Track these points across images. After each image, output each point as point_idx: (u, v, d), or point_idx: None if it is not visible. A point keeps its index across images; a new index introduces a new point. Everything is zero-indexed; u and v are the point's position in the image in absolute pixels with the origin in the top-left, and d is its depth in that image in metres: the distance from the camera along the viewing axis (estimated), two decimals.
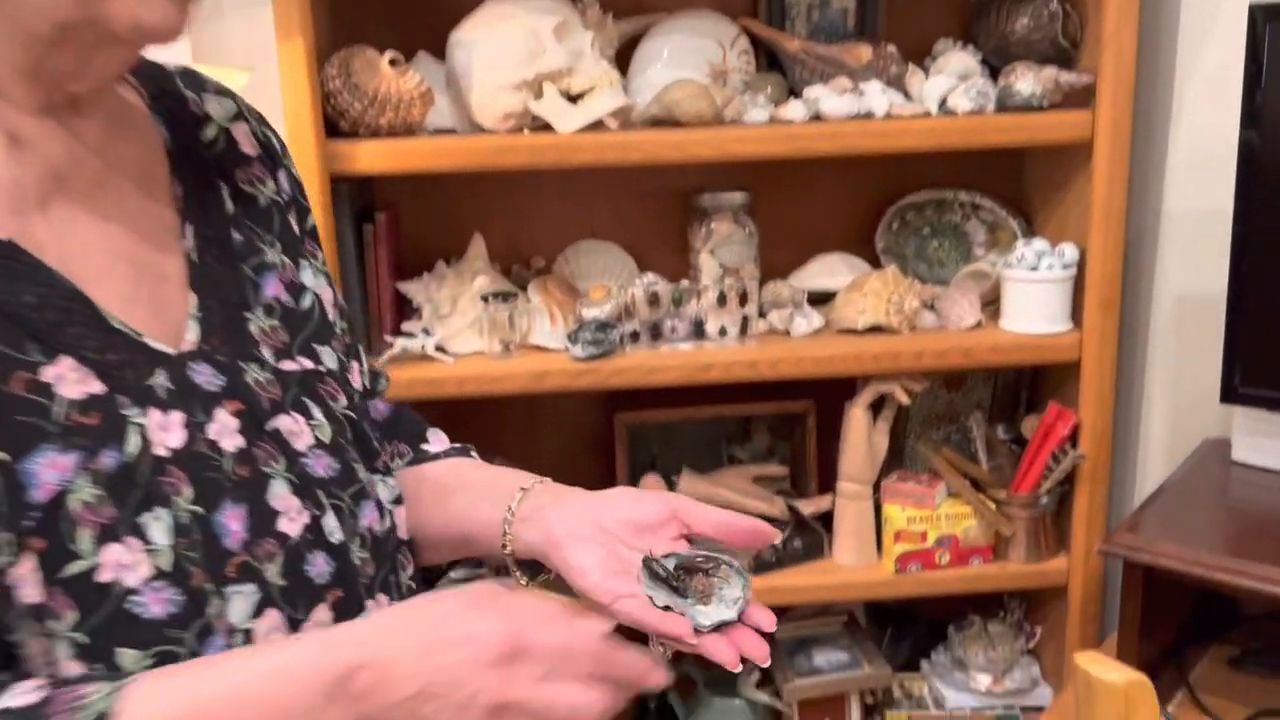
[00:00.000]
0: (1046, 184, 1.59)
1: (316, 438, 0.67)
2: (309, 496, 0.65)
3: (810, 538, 1.60)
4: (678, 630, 0.62)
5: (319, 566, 0.64)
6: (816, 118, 1.45)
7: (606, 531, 0.67)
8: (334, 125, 1.37)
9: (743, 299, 1.52)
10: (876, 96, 1.44)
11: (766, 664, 0.63)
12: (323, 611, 0.63)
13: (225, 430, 0.63)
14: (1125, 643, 1.21)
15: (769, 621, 0.64)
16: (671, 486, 1.62)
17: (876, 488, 1.58)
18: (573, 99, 1.41)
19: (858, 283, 1.54)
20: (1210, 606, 1.37)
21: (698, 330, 1.52)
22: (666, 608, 0.62)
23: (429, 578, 0.82)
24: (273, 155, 0.75)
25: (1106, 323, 1.46)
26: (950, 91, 1.45)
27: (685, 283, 1.53)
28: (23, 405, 0.55)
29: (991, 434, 1.64)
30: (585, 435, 1.73)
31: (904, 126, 1.41)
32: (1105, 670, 0.94)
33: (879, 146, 1.41)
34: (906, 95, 1.49)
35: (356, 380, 0.76)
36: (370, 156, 1.35)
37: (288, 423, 0.66)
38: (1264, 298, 1.27)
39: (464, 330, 1.50)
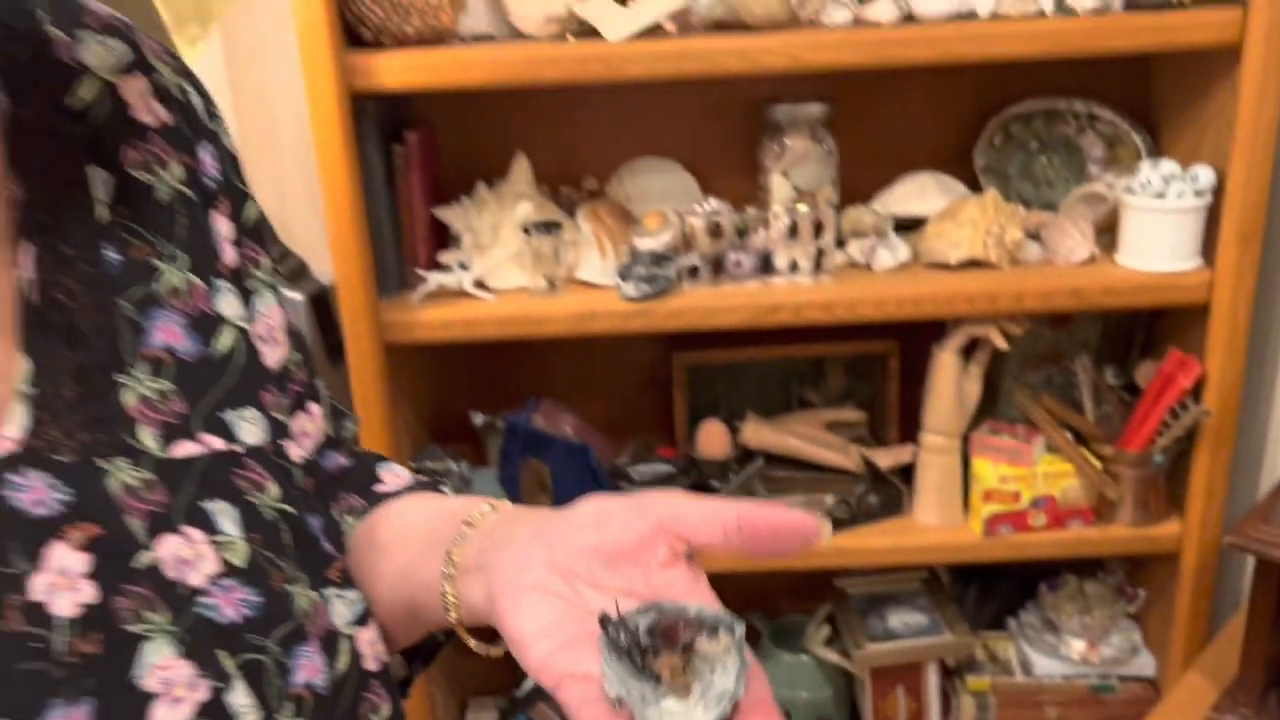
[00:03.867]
0: (1179, 93, 1.36)
1: (225, 561, 0.46)
2: (207, 659, 0.44)
3: (888, 493, 1.44)
4: None
5: None
6: (908, 18, 1.24)
7: (564, 571, 0.46)
8: (354, 34, 1.22)
9: (817, 229, 1.34)
10: None
11: None
12: None
13: (63, 580, 0.41)
14: (1252, 646, 1.05)
15: None
16: (735, 432, 1.48)
17: (965, 438, 1.42)
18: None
19: (952, 210, 1.34)
20: None
21: (765, 265, 1.35)
22: (619, 700, 0.43)
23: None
24: (194, 122, 0.52)
25: (1245, 260, 1.24)
26: None
27: (751, 211, 1.35)
28: None
29: (1100, 379, 1.45)
30: (642, 375, 1.59)
31: (1012, 29, 1.19)
32: None
33: (982, 53, 1.20)
34: None
35: (307, 442, 0.55)
36: (395, 70, 1.19)
37: (176, 547, 0.45)
38: None
39: (505, 263, 1.35)
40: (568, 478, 1.38)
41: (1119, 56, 1.26)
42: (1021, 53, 1.20)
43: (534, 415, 1.44)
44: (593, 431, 1.49)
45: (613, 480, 1.39)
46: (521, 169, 1.42)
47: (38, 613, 0.40)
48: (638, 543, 0.46)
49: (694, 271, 1.34)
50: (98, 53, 0.49)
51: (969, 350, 1.39)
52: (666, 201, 1.44)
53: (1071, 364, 1.48)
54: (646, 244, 1.33)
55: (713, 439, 1.46)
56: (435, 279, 1.32)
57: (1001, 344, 1.34)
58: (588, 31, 1.23)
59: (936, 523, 1.42)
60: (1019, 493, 1.38)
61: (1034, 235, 1.38)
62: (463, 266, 1.34)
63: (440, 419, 1.56)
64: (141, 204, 0.49)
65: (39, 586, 0.41)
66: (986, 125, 1.46)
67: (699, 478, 1.45)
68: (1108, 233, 1.37)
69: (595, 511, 0.47)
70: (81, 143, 0.48)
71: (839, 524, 1.42)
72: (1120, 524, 1.39)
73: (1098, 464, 1.38)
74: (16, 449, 0.42)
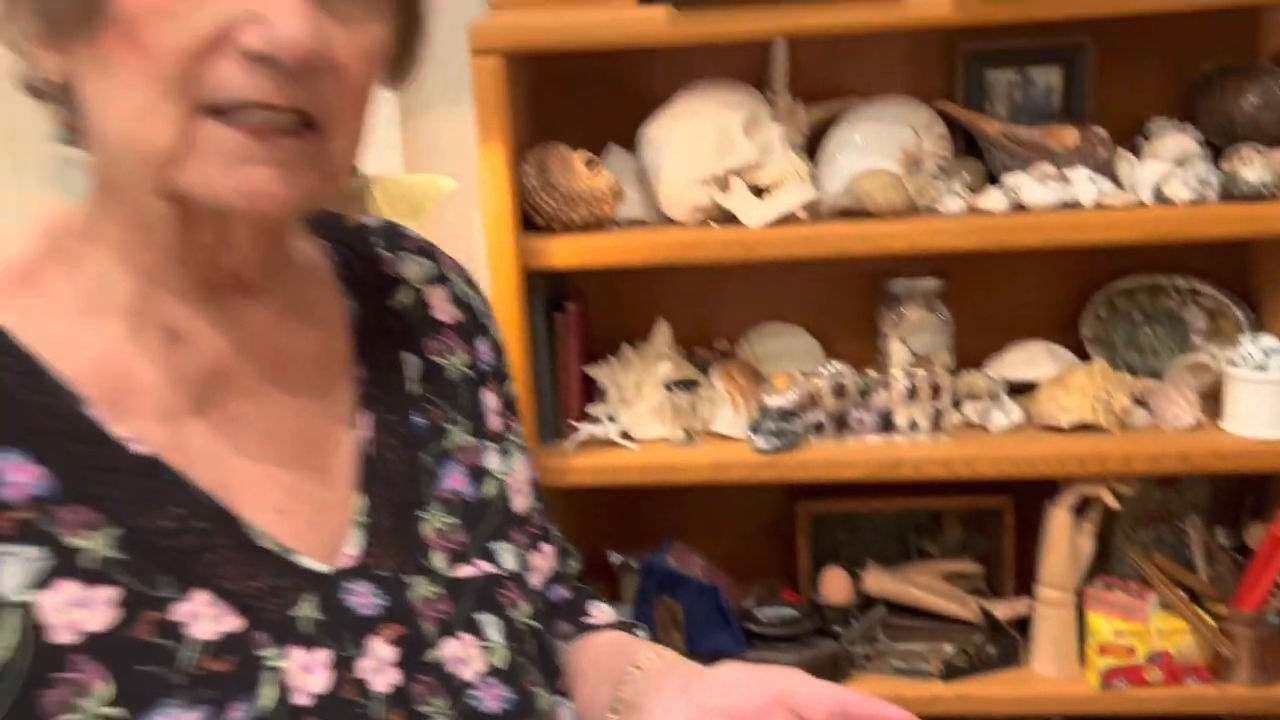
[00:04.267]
0: (1277, 271, 1.46)
1: (490, 663, 0.58)
2: None
3: (1005, 644, 1.51)
4: None
5: None
6: (1018, 207, 1.38)
7: None
8: (529, 220, 1.42)
9: (935, 390, 1.46)
10: (1083, 184, 1.37)
11: None
12: None
13: (379, 665, 0.55)
14: None
15: None
16: (856, 579, 1.57)
17: (1080, 593, 1.48)
18: (761, 190, 1.40)
19: (1062, 378, 1.45)
20: None
21: (886, 422, 1.47)
22: None
23: None
24: (475, 320, 0.69)
25: None
26: (1166, 178, 1.36)
27: (873, 374, 1.48)
28: (147, 651, 0.49)
29: (1211, 540, 1.51)
30: (767, 522, 1.70)
31: (1114, 218, 1.33)
32: None
33: (1086, 239, 1.33)
34: (1116, 182, 1.41)
35: (542, 572, 0.69)
36: (563, 252, 1.38)
37: (455, 648, 0.58)
38: None
39: (648, 416, 1.50)
40: (699, 617, 1.48)
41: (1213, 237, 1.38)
42: (1123, 239, 1.33)
43: (668, 556, 1.56)
44: (719, 573, 1.60)
45: (741, 621, 1.49)
46: (662, 333, 1.58)
47: (362, 688, 0.54)
48: (756, 713, 0.55)
49: (819, 427, 1.46)
50: (412, 268, 0.67)
51: (1081, 508, 1.47)
52: (791, 362, 1.58)
53: (1182, 523, 1.54)
54: (775, 401, 1.47)
55: (835, 585, 1.56)
56: (586, 430, 1.48)
57: (1113, 503, 1.42)
58: (728, 217, 1.40)
59: (1053, 674, 1.47)
60: (1134, 648, 1.43)
61: (1141, 402, 1.47)
62: (610, 419, 1.49)
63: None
64: (437, 381, 0.65)
65: (364, 668, 0.55)
66: (1092, 298, 1.58)
67: (821, 623, 1.54)
68: (1212, 398, 1.45)
69: (727, 678, 0.57)
70: (398, 335, 0.65)
71: (958, 673, 1.49)
72: (1238, 683, 1.42)
73: (1212, 622, 1.42)
74: (353, 564, 0.57)
